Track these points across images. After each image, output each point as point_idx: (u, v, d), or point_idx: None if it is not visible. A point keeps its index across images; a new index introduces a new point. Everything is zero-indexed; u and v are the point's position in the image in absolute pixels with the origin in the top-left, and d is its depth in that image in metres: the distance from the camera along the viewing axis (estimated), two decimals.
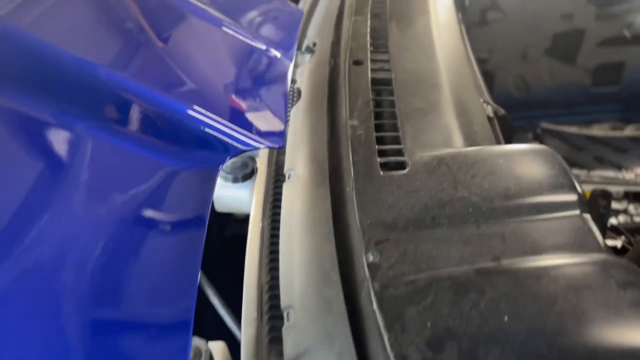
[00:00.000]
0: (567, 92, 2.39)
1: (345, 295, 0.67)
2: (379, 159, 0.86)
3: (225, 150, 0.85)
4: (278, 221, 0.87)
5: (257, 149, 0.88)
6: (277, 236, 0.84)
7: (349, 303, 0.67)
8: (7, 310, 0.55)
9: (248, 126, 0.88)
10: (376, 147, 0.89)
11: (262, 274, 0.79)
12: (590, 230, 0.69)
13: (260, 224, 0.88)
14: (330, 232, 0.76)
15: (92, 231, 0.69)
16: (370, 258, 0.69)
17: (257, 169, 1.01)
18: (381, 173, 0.83)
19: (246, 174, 0.99)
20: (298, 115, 1.06)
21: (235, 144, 0.86)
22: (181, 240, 0.76)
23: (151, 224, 0.76)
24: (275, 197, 0.93)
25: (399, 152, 0.88)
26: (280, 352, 0.68)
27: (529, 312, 0.58)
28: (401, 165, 0.85)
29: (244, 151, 0.87)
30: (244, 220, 0.95)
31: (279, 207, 0.90)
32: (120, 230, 0.72)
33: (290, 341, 0.68)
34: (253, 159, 1.02)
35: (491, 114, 1.22)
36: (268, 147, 0.89)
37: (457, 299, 0.61)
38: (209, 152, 0.84)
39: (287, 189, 0.92)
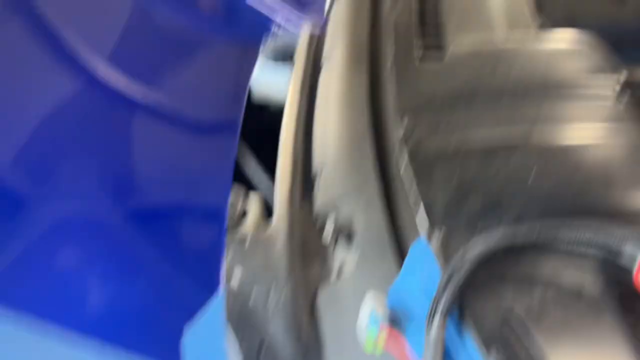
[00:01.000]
0: None
1: (378, 153, 0.72)
2: (419, 49, 0.88)
3: (270, 23, 0.88)
4: (314, 101, 0.91)
5: (302, 22, 0.90)
6: (313, 112, 0.88)
7: (380, 162, 0.71)
8: None
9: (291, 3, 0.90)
10: (417, 36, 0.90)
11: (297, 140, 0.83)
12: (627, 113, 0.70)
13: (298, 101, 0.92)
14: (365, 108, 0.80)
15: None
16: (405, 122, 0.72)
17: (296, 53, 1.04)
18: (420, 62, 0.85)
19: (286, 56, 1.01)
20: (340, 2, 1.07)
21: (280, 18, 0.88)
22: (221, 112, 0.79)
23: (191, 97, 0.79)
24: (312, 82, 0.96)
25: (439, 44, 0.89)
26: (311, 201, 0.74)
27: (554, 177, 0.62)
28: (440, 57, 0.87)
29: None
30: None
31: (316, 88, 0.94)
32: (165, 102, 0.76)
33: (322, 191, 0.73)
34: (292, 45, 1.04)
35: None
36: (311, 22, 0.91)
37: (485, 162, 0.65)
38: (256, 24, 0.87)
39: (325, 74, 0.94)
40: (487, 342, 0.48)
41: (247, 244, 0.67)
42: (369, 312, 0.53)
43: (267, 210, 0.78)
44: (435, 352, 0.48)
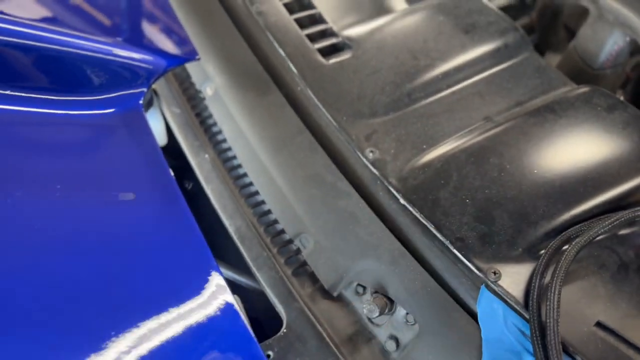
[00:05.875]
0: None
1: (365, 199, 0.63)
2: (314, 46, 0.77)
3: (143, 77, 0.67)
4: (226, 149, 0.75)
5: (176, 66, 0.71)
6: (237, 166, 0.73)
7: (372, 206, 0.63)
8: None
9: (159, 45, 0.70)
10: (302, 32, 0.78)
11: (244, 212, 0.69)
12: (547, 66, 0.73)
13: (206, 155, 0.75)
14: (310, 141, 0.69)
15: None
16: (370, 155, 0.65)
17: (157, 93, 0.83)
18: (327, 62, 0.75)
19: (145, 103, 0.80)
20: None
21: (151, 66, 0.68)
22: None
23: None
24: (203, 120, 0.79)
25: (331, 33, 0.79)
26: (312, 279, 0.63)
27: (553, 156, 0.62)
28: (341, 47, 0.77)
29: (163, 73, 0.70)
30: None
31: (213, 129, 0.77)
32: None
33: (321, 265, 0.63)
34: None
35: None
36: (186, 61, 0.72)
37: (482, 168, 0.61)
38: (127, 87, 0.65)
39: (216, 107, 0.78)
40: None
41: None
42: None
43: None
44: None
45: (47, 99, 0.57)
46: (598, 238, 0.56)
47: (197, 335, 0.49)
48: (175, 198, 0.58)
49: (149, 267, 0.51)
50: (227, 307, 0.51)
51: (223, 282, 0.53)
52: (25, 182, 0.50)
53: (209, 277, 0.53)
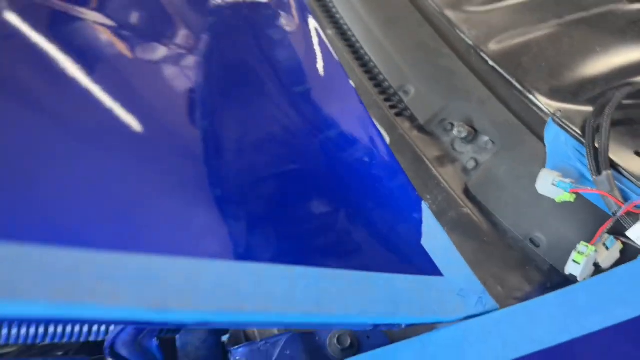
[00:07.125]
0: None
1: (461, 60, 0.82)
2: None
3: None
4: (344, 28, 0.94)
5: None
6: (354, 41, 0.92)
7: (467, 65, 0.81)
8: None
9: None
10: None
11: (357, 73, 0.88)
12: None
13: (328, 31, 0.94)
14: (419, 19, 0.88)
15: None
16: (467, 32, 0.83)
17: None
18: None
19: None
20: None
21: None
22: None
23: None
24: (323, 5, 0.99)
25: None
26: (411, 119, 0.82)
27: (610, 42, 0.80)
28: None
29: None
30: None
31: (332, 12, 0.97)
32: None
33: (420, 107, 0.81)
34: None
35: None
36: None
37: (555, 45, 0.80)
38: None
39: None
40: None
41: None
42: (552, 182, 0.66)
43: None
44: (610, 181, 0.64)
45: None
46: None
47: None
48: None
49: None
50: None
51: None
52: None
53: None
